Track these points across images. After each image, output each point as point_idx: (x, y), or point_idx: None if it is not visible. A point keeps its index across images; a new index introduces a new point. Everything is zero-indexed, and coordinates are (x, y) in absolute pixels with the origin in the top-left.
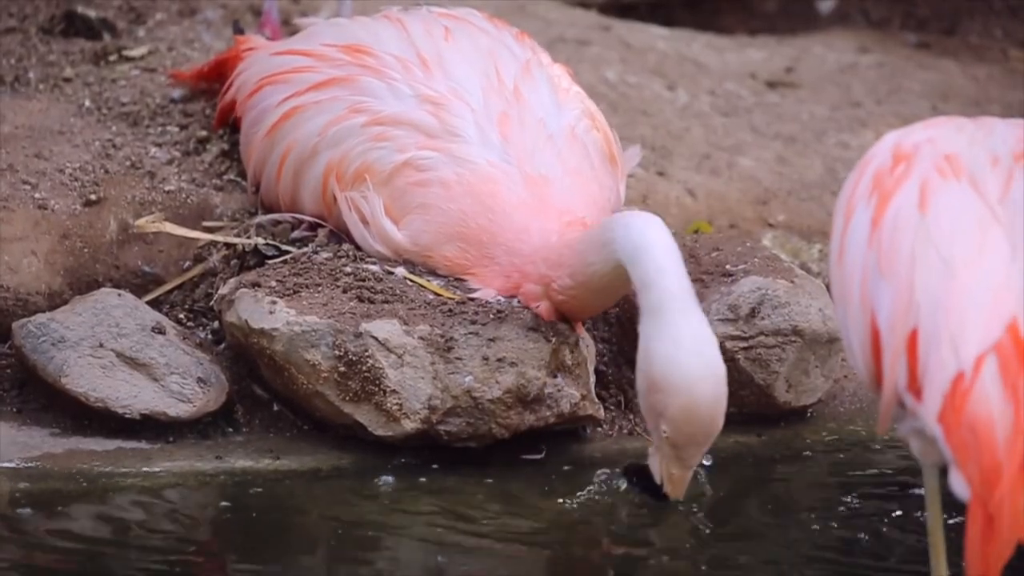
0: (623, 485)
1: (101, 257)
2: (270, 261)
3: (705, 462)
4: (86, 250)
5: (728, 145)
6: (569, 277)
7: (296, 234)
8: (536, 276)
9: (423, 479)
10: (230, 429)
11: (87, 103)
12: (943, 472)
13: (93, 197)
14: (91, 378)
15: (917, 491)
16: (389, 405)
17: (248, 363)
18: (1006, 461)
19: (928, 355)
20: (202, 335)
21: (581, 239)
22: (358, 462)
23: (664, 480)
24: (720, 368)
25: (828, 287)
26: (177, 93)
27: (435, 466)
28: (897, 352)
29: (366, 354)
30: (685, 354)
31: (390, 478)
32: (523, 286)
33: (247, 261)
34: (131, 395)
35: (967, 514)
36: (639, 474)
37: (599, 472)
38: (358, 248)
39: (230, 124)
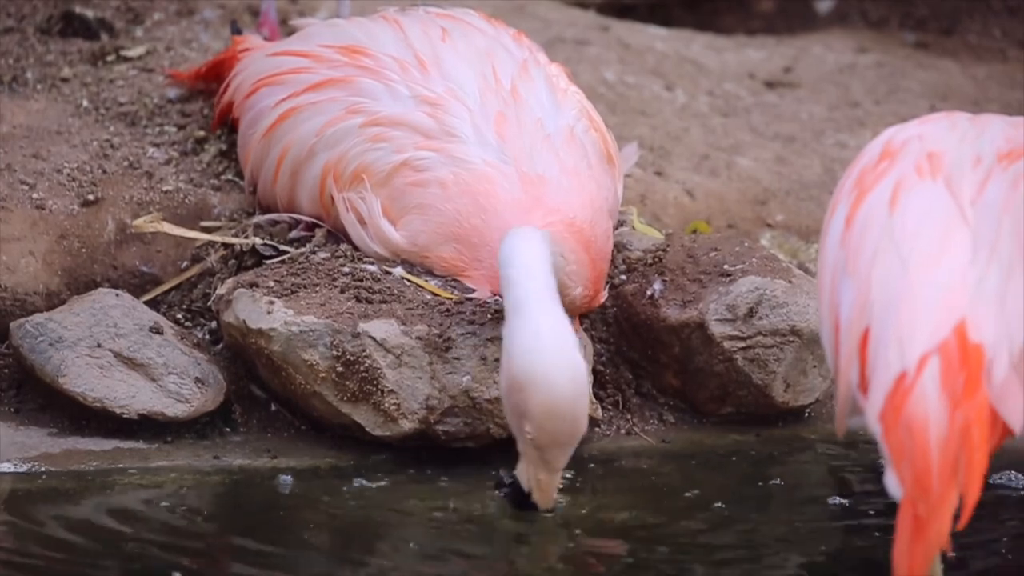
0: (496, 493)
1: (99, 257)
2: (268, 261)
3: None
4: (84, 250)
5: (727, 145)
6: None
7: (294, 234)
8: None
9: (421, 479)
10: (228, 429)
11: (85, 103)
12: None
13: (91, 197)
14: (89, 378)
15: None
16: (387, 405)
17: (246, 363)
18: (938, 463)
19: (876, 354)
20: (200, 335)
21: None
22: (356, 462)
23: (532, 487)
24: (579, 365)
25: None
26: (175, 93)
27: (433, 466)
28: (851, 351)
29: (364, 354)
30: (544, 348)
31: (388, 478)
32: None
33: (245, 261)
34: (129, 395)
35: (897, 514)
36: (510, 483)
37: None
38: (356, 248)
39: (228, 124)
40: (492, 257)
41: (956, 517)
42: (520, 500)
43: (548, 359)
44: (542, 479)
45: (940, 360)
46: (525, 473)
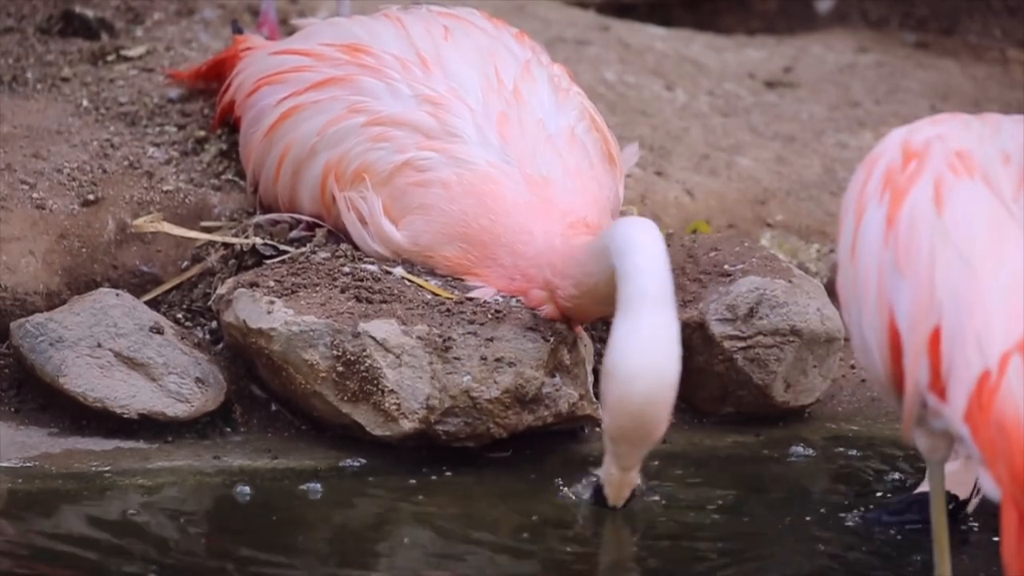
0: (585, 482)
1: (99, 257)
2: (268, 261)
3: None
4: (84, 250)
5: (727, 145)
6: (574, 287)
7: (294, 234)
8: (541, 281)
9: (421, 479)
10: (228, 429)
11: (85, 103)
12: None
13: (91, 197)
14: (89, 378)
15: (916, 489)
16: (387, 405)
17: (246, 363)
18: None
19: (952, 354)
20: (200, 335)
21: (583, 249)
22: (356, 462)
23: (605, 482)
24: (666, 373)
25: (826, 287)
26: (175, 93)
27: (433, 466)
28: (918, 351)
29: (364, 354)
30: (634, 348)
31: (388, 478)
32: (527, 290)
33: (245, 261)
34: (129, 395)
35: (1000, 514)
36: (596, 477)
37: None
38: (356, 248)
39: (228, 124)
40: (513, 256)
41: None
42: (596, 493)
43: (633, 360)
44: (613, 474)
45: (1023, 357)
46: (604, 466)
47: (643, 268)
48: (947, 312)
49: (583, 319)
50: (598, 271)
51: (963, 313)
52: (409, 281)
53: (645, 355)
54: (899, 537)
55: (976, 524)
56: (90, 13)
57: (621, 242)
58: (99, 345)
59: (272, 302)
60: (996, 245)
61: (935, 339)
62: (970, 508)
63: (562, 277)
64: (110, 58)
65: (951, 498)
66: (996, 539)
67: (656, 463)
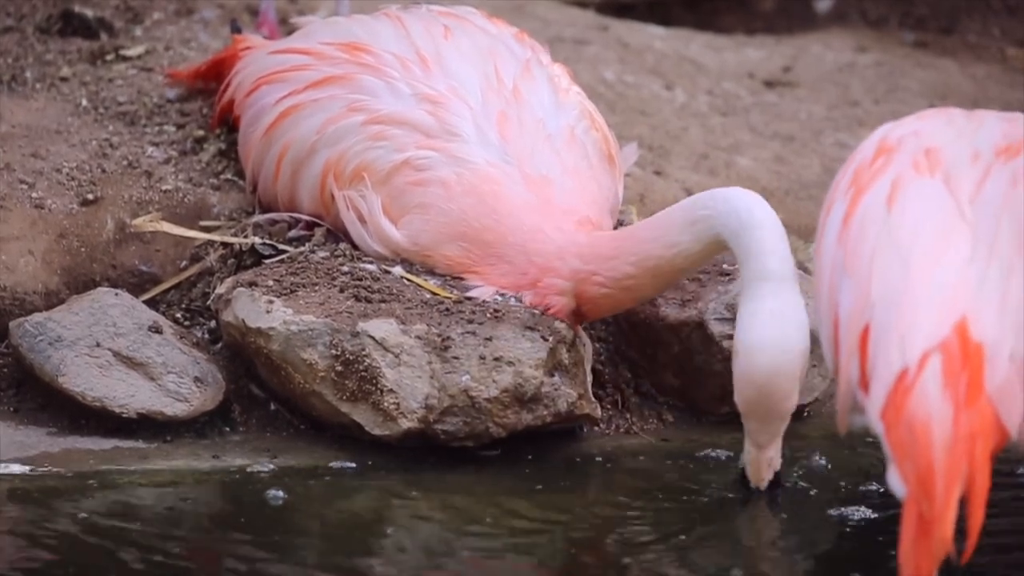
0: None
1: (98, 256)
2: (267, 260)
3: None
4: (83, 249)
5: (726, 145)
6: (632, 265)
7: (293, 233)
8: (567, 272)
9: (420, 478)
10: (227, 428)
11: (84, 102)
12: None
13: (90, 196)
14: (88, 377)
15: None
16: (386, 404)
17: (245, 362)
18: (941, 462)
19: (877, 351)
20: (199, 334)
21: (650, 225)
22: (355, 462)
23: (745, 461)
24: (788, 344)
25: None
26: (174, 92)
27: (432, 465)
28: (851, 348)
29: (363, 353)
30: (755, 325)
31: (387, 477)
32: (542, 281)
33: (244, 260)
34: (128, 394)
35: (902, 514)
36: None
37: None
38: (355, 247)
39: (227, 123)
40: (524, 254)
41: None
42: (741, 475)
43: (756, 335)
44: (751, 452)
45: (942, 358)
46: (744, 449)
47: (769, 246)
48: (877, 311)
49: (599, 313)
50: (685, 240)
51: (892, 312)
52: (408, 280)
53: (767, 328)
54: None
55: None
56: (89, 13)
57: (737, 218)
58: (98, 344)
59: (271, 301)
60: (936, 245)
61: (864, 336)
62: None
63: (607, 260)
64: (109, 58)
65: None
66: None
67: (656, 462)
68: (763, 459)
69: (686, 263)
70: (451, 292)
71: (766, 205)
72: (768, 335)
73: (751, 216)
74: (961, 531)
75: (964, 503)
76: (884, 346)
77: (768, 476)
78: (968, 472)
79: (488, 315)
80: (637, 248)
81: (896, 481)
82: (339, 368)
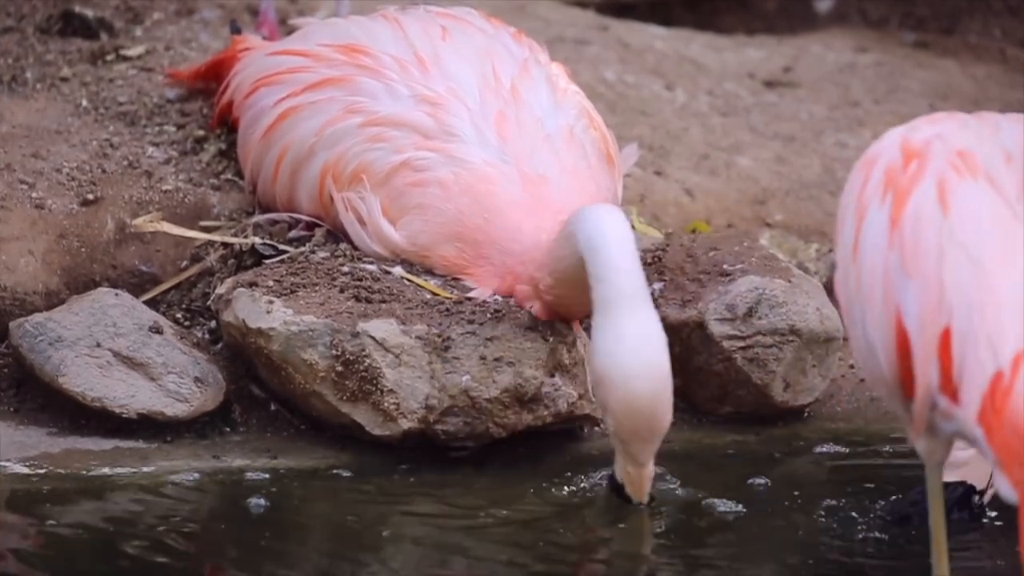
0: (605, 485)
1: (98, 256)
2: (267, 261)
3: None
4: (83, 249)
5: (726, 145)
6: (549, 275)
7: (293, 234)
8: (526, 277)
9: (421, 478)
10: (227, 429)
11: (84, 103)
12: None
13: (90, 197)
14: (88, 378)
15: (915, 489)
16: (386, 404)
17: (245, 363)
18: None
19: (964, 355)
20: (199, 335)
21: (555, 235)
22: (355, 462)
23: (624, 481)
24: (661, 366)
25: (825, 286)
26: (174, 93)
27: (432, 465)
28: (928, 352)
29: (363, 353)
30: (624, 351)
31: (387, 477)
32: (516, 287)
33: (244, 261)
34: (128, 395)
35: (1019, 516)
36: (611, 475)
37: (598, 472)
38: (355, 248)
39: (227, 124)
40: (502, 255)
41: None
42: (617, 491)
43: (626, 363)
44: (631, 472)
45: None
46: (617, 465)
47: (615, 265)
48: (957, 312)
49: (572, 313)
50: (566, 254)
51: (974, 313)
52: (408, 281)
53: (635, 356)
54: (898, 537)
55: (988, 520)
56: (89, 13)
57: (589, 232)
58: (98, 345)
59: (271, 302)
60: (1003, 245)
61: (946, 340)
62: (986, 498)
63: (541, 268)
64: (109, 58)
65: (968, 488)
66: (992, 541)
67: (655, 462)
68: (645, 475)
69: (576, 275)
70: (451, 292)
71: (619, 222)
72: (641, 360)
73: (601, 235)
74: None
75: None
76: (972, 349)
77: (649, 488)
78: None
79: (488, 315)
80: (546, 258)
81: (1006, 486)
82: (339, 368)
